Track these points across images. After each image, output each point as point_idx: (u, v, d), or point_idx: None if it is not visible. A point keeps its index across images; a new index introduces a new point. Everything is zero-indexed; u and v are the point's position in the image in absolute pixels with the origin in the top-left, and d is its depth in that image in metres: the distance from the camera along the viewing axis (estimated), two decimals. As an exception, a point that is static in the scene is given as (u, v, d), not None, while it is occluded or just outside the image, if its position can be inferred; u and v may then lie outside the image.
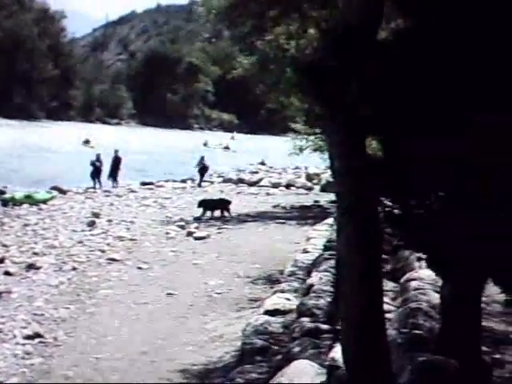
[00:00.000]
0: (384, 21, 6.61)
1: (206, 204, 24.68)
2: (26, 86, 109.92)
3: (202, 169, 37.94)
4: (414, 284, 10.13)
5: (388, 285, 10.63)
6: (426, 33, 5.99)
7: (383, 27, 6.79)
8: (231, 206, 24.81)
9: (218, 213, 24.35)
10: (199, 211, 24.15)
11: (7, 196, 27.74)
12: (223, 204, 25.06)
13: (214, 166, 42.77)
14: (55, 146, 56.35)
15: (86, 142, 49.94)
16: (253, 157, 55.28)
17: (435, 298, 8.76)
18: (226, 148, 74.34)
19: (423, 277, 10.15)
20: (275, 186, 37.26)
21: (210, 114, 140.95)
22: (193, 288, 14.58)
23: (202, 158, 38.58)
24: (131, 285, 14.94)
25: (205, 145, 74.42)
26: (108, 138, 61.29)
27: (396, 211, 6.84)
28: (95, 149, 40.35)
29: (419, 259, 10.38)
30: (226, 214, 24.57)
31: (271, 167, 49.47)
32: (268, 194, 33.92)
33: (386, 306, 7.34)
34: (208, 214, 24.19)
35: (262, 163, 51.50)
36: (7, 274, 15.41)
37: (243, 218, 24.46)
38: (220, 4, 16.73)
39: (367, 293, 6.29)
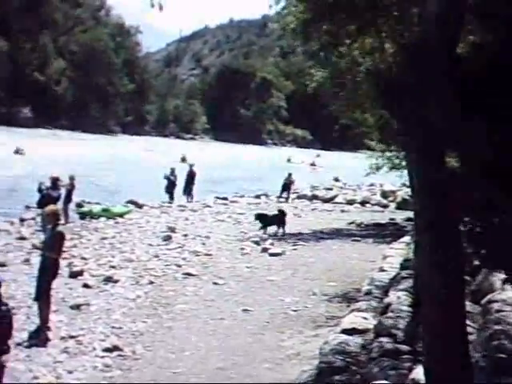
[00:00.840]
0: (462, 34, 6.52)
1: (262, 218, 24.69)
2: (102, 101, 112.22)
3: (287, 184, 38.32)
4: (496, 306, 9.89)
5: (468, 306, 10.41)
6: (508, 46, 5.91)
7: (461, 40, 6.69)
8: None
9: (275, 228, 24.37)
10: (273, 227, 24.21)
11: (85, 209, 28.30)
12: (279, 218, 24.86)
13: (300, 183, 43.11)
14: (131, 160, 57.45)
15: (183, 159, 50.35)
16: (332, 173, 55.24)
17: (520, 321, 8.56)
18: (313, 165, 75.04)
19: (506, 298, 9.92)
20: (350, 202, 37.14)
21: (284, 130, 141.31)
22: (268, 304, 14.57)
23: (290, 175, 39.00)
24: (207, 300, 15.00)
25: (288, 161, 75.21)
26: (190, 153, 62.22)
27: (477, 229, 6.73)
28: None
29: (505, 282, 10.12)
30: (281, 229, 24.38)
31: (345, 184, 49.33)
32: (343, 210, 33.78)
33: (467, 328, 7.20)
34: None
35: (337, 180, 51.39)
36: (86, 286, 15.66)
37: (318, 235, 24.39)
38: (294, 20, 16.75)
39: (448, 313, 6.17)
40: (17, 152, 58.88)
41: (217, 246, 21.41)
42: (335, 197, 38.97)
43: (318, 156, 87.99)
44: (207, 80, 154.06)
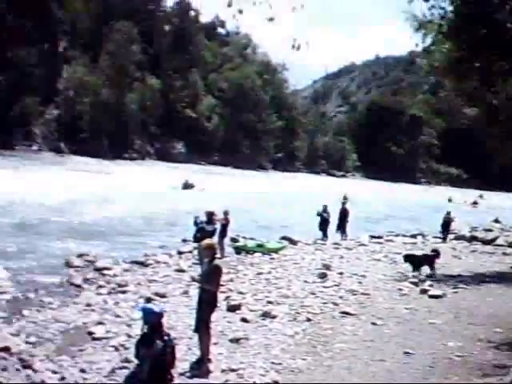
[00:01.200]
0: None
1: (411, 259, 23.92)
2: (251, 137, 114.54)
3: (446, 222, 37.44)
4: None
5: None
6: None
7: None
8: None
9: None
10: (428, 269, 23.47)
11: (240, 244, 28.63)
12: (427, 259, 23.80)
13: (458, 224, 42.00)
14: (286, 196, 58.01)
15: (345, 198, 51.94)
16: (491, 214, 53.60)
17: None
18: (475, 203, 76.14)
19: None
20: (512, 245, 35.47)
21: (438, 168, 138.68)
22: (431, 348, 14.00)
23: (449, 213, 38.22)
24: (366, 340, 14.61)
25: (449, 201, 75.43)
26: (344, 190, 62.32)
27: None
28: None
29: None
30: (430, 271, 23.38)
31: (505, 225, 47.52)
32: (505, 253, 32.20)
33: None
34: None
35: (496, 221, 49.62)
36: (244, 320, 15.71)
37: (480, 278, 23.37)
38: (443, 58, 16.23)
39: None
40: (186, 187, 60.97)
41: (373, 286, 20.93)
42: (496, 238, 37.31)
43: (481, 196, 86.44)
44: (356, 117, 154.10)
